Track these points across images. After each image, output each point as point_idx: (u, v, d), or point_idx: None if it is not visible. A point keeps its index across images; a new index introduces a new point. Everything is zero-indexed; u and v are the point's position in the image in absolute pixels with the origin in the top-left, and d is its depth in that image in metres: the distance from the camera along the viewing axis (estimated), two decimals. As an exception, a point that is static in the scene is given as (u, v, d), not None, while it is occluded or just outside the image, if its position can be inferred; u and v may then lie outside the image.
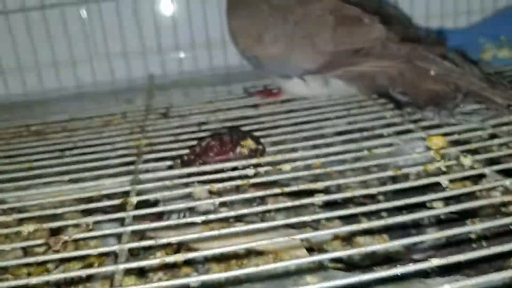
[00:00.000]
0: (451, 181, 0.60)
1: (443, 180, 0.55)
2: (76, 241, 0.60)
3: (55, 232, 0.60)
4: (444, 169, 0.58)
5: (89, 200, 0.62)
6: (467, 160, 0.57)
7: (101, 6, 1.08)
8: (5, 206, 0.60)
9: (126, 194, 0.57)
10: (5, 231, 0.54)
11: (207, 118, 0.83)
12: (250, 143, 0.64)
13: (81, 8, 1.07)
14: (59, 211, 0.57)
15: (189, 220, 0.51)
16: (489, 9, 1.21)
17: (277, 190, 0.55)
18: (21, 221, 0.56)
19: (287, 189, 0.55)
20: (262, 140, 0.67)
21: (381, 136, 0.68)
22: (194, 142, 0.69)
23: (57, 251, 0.50)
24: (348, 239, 0.56)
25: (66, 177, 0.65)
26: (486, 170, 0.55)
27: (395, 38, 0.74)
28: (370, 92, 0.78)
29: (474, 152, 0.60)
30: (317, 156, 0.62)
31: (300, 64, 0.77)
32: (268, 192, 0.55)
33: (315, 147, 0.66)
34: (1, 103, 1.07)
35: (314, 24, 0.76)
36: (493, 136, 0.65)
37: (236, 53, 0.88)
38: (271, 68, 0.82)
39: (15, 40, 1.07)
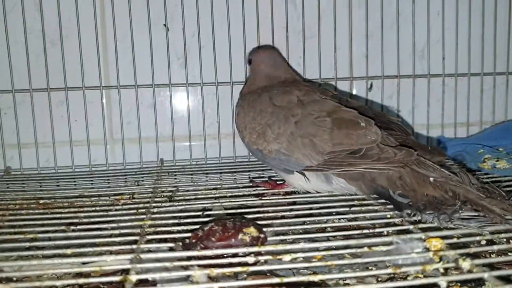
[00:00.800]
0: (450, 283, 0.60)
1: (442, 281, 0.55)
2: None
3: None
4: (442, 270, 0.58)
5: (89, 275, 0.63)
6: (465, 264, 0.58)
7: (122, 93, 1.14)
8: (3, 275, 0.60)
9: (126, 272, 0.58)
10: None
11: (212, 204, 0.84)
12: (252, 230, 0.65)
13: (102, 92, 1.14)
14: (57, 283, 0.57)
15: (187, 302, 0.51)
16: (488, 122, 1.27)
17: (276, 280, 0.55)
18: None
19: (286, 280, 0.55)
20: (264, 229, 0.68)
21: (380, 234, 0.69)
22: (197, 226, 0.70)
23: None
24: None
25: (69, 251, 0.66)
26: (486, 275, 0.55)
27: (392, 142, 0.77)
28: (370, 191, 0.80)
29: (473, 256, 0.60)
30: (318, 249, 0.63)
31: (300, 161, 0.81)
32: (267, 281, 0.55)
33: (315, 240, 0.67)
34: (16, 177, 1.10)
35: (312, 124, 0.81)
36: (491, 243, 0.66)
37: (243, 145, 0.93)
38: (274, 162, 0.86)
39: (36, 117, 1.11)
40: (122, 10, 1.11)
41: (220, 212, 0.80)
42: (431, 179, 0.74)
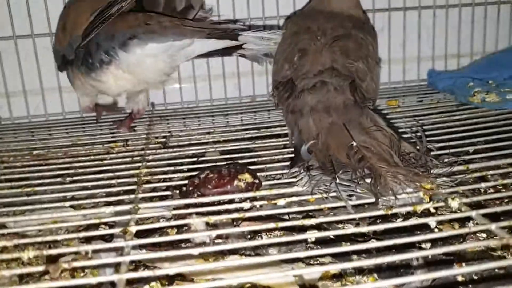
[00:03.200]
0: (440, 222, 0.62)
1: (431, 221, 0.58)
2: (74, 269, 0.61)
3: (54, 259, 0.61)
4: (432, 210, 0.60)
5: (89, 227, 0.64)
6: (454, 203, 0.59)
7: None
8: (5, 231, 0.62)
9: (125, 223, 0.59)
10: (5, 256, 0.55)
11: (205, 149, 0.85)
12: (247, 176, 0.67)
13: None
14: (59, 238, 0.59)
15: (187, 251, 0.53)
16: (479, 53, 1.26)
17: (272, 225, 0.57)
18: (20, 247, 0.58)
19: (281, 224, 0.57)
20: (259, 174, 0.70)
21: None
22: (192, 173, 0.71)
23: (56, 279, 0.52)
24: (339, 276, 0.58)
25: (68, 204, 0.67)
26: (473, 213, 0.57)
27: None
28: None
29: (462, 195, 0.62)
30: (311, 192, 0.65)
31: None
32: (264, 226, 0.57)
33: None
34: (7, 126, 1.10)
35: None
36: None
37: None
38: None
39: (22, 64, 1.09)
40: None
41: (215, 157, 0.81)
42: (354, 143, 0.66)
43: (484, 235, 0.64)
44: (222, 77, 1.17)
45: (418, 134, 0.76)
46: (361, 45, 0.85)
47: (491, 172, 0.69)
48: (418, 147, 0.69)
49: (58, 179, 0.75)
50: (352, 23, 0.89)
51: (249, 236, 0.65)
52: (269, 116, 1.05)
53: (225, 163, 0.75)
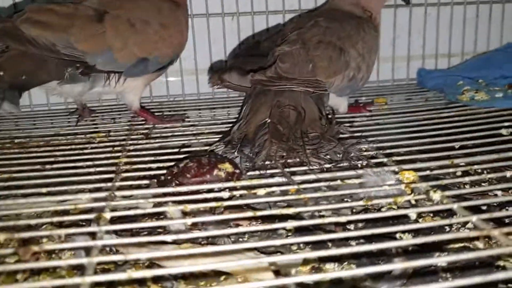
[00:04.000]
0: (420, 214, 0.61)
1: (412, 213, 0.57)
2: (49, 253, 0.60)
3: (27, 243, 0.60)
4: (413, 202, 0.60)
5: (65, 213, 0.63)
6: (436, 195, 0.59)
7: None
8: (-21, 216, 0.60)
9: (100, 209, 0.58)
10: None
11: (189, 141, 0.84)
12: (227, 166, 0.66)
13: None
14: (33, 222, 0.57)
15: (160, 238, 0.51)
16: (470, 53, 1.26)
17: (250, 214, 0.56)
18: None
19: (259, 213, 0.56)
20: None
21: (355, 167, 0.69)
22: (173, 163, 0.70)
23: (26, 261, 0.50)
24: (316, 266, 0.57)
25: (44, 190, 0.66)
26: (455, 206, 0.56)
27: None
28: None
29: (444, 188, 0.61)
30: (293, 183, 0.64)
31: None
32: (241, 215, 0.56)
33: (291, 174, 0.68)
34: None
35: None
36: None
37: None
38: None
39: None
40: None
41: (198, 148, 0.80)
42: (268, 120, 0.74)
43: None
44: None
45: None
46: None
47: (475, 166, 0.68)
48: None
49: (37, 167, 0.73)
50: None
51: (227, 227, 0.64)
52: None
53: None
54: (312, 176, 0.65)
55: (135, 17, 0.86)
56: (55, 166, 0.74)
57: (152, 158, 0.75)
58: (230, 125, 0.90)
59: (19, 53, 0.79)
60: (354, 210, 0.68)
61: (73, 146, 0.83)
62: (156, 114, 0.98)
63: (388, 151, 0.74)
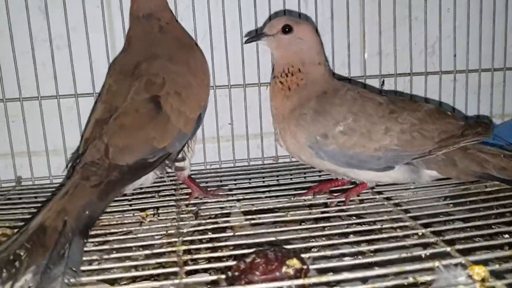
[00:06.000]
0: None
1: None
2: None
3: None
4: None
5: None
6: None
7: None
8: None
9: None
10: None
11: (240, 222, 0.84)
12: (295, 262, 0.65)
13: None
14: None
15: None
16: (498, 115, 1.28)
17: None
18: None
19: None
20: (304, 256, 0.68)
21: (419, 257, 0.69)
22: (234, 252, 0.70)
23: None
24: None
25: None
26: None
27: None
28: (467, 175, 0.88)
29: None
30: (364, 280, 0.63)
31: (410, 152, 0.86)
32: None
33: (356, 267, 0.67)
34: (27, 187, 1.08)
35: (411, 118, 0.87)
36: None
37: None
38: (372, 161, 0.86)
39: (45, 124, 1.09)
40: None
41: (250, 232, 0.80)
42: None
43: None
44: (245, 138, 1.17)
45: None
46: None
47: None
48: None
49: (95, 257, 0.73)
50: None
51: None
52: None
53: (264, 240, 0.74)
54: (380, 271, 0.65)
55: (179, 84, 0.87)
56: (112, 256, 0.72)
57: (210, 245, 0.75)
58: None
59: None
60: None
61: (125, 229, 0.82)
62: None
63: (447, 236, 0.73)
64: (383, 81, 1.22)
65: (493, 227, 0.80)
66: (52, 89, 1.07)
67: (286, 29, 0.91)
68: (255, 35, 0.97)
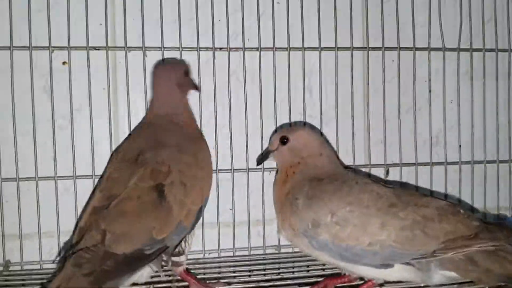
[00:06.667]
0: None
1: None
2: None
3: None
4: None
5: None
6: None
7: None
8: None
9: None
10: None
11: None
12: None
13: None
14: None
15: None
16: (504, 207, 1.25)
17: None
18: None
19: None
20: None
21: None
22: None
23: None
24: None
25: None
26: None
27: None
28: (490, 280, 0.81)
29: None
30: None
31: (410, 251, 0.81)
32: None
33: None
34: (15, 272, 1.03)
35: (416, 215, 0.82)
36: None
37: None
38: (368, 256, 0.81)
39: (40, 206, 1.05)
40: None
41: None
42: None
43: None
44: (247, 224, 1.13)
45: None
46: None
47: None
48: None
49: None
50: None
51: None
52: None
53: None
54: None
55: (185, 175, 0.85)
56: None
57: None
58: None
59: None
60: None
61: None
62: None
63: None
64: (388, 171, 1.20)
65: None
66: (50, 170, 1.05)
67: (284, 140, 0.97)
68: (263, 156, 1.03)
